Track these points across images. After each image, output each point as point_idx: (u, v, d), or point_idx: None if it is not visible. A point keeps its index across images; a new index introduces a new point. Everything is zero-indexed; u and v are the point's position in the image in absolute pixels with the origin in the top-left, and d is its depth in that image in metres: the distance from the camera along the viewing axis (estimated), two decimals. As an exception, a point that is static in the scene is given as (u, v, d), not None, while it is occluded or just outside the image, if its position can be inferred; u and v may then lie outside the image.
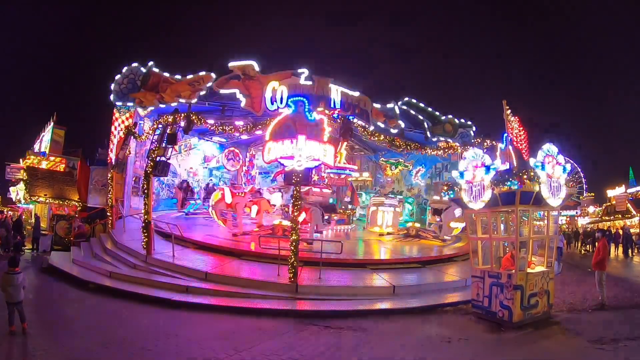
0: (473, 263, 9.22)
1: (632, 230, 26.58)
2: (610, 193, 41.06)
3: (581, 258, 21.62)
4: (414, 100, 19.89)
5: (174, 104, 16.01)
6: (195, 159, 24.60)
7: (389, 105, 19.07)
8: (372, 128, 16.84)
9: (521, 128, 18.75)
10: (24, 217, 22.58)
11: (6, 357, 5.89)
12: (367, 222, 20.23)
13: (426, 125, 19.84)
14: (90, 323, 7.60)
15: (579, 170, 42.58)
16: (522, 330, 7.83)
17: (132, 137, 15.83)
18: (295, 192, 10.73)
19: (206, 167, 25.34)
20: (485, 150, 13.43)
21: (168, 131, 12.83)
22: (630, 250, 22.04)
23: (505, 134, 15.86)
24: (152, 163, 12.47)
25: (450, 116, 20.63)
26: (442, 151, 15.82)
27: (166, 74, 16.72)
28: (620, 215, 37.01)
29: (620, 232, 25.57)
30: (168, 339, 6.74)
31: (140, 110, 17.18)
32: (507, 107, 15.66)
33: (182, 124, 12.88)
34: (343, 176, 22.61)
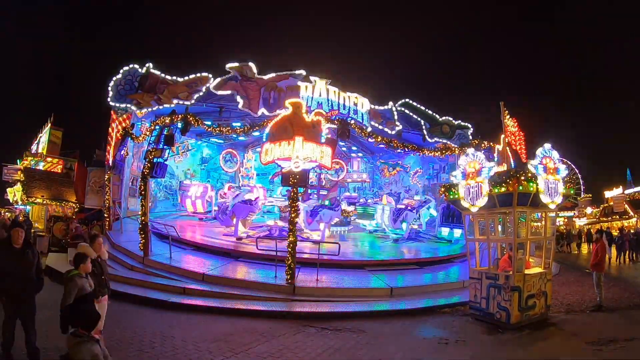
0: (470, 264, 9.22)
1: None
2: (608, 194, 41.20)
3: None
4: (411, 102, 19.90)
5: (171, 106, 15.98)
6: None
7: (387, 107, 19.08)
8: (369, 129, 16.85)
9: (519, 129, 18.78)
10: (21, 218, 22.50)
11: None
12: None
13: (424, 127, 19.86)
14: (87, 325, 7.56)
15: (577, 171, 42.75)
16: (519, 331, 7.82)
17: (129, 138, 15.80)
18: (292, 194, 10.72)
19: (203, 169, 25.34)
20: (482, 151, 13.44)
21: (165, 132, 12.82)
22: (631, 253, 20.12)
23: (503, 136, 15.89)
24: (149, 164, 12.45)
25: (447, 117, 20.66)
26: (439, 152, 15.83)
27: (164, 75, 16.68)
28: (617, 216, 37.14)
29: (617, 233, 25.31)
30: (164, 340, 6.70)
31: (137, 111, 17.15)
32: (505, 109, 15.68)
33: (180, 125, 12.86)
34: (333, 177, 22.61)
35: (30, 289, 5.87)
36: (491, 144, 16.13)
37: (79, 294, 5.11)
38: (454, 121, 20.68)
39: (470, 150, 9.06)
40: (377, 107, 18.75)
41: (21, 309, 5.70)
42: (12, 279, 5.53)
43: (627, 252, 19.97)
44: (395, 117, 19.00)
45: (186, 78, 16.52)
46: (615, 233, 22.41)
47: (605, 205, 41.34)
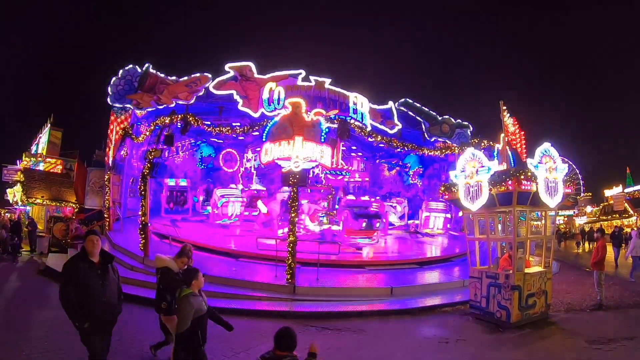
0: (471, 263, 9.22)
1: (627, 230, 25.93)
2: (608, 193, 41.19)
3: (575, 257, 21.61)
4: (411, 101, 19.92)
5: (171, 106, 15.97)
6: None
7: (387, 106, 19.07)
8: (369, 129, 16.85)
9: (518, 128, 18.78)
10: (21, 219, 22.48)
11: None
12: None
13: (423, 126, 19.88)
14: (87, 325, 7.56)
15: (576, 170, 42.75)
16: (520, 330, 7.83)
17: (129, 138, 15.80)
18: (292, 194, 10.72)
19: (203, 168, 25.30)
20: (482, 150, 13.43)
21: (165, 132, 12.82)
22: None
23: (502, 135, 15.89)
24: (148, 164, 12.44)
25: (447, 116, 20.66)
26: (439, 152, 15.84)
27: (163, 75, 16.65)
28: (617, 215, 37.12)
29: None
30: (165, 341, 6.69)
31: (137, 111, 17.14)
32: (504, 108, 15.68)
33: (179, 125, 12.87)
34: (340, 177, 22.65)
35: (116, 315, 4.76)
36: (491, 143, 16.12)
37: (196, 316, 4.44)
38: (453, 120, 20.69)
39: (470, 149, 9.06)
40: (376, 106, 18.74)
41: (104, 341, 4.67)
42: (100, 303, 4.43)
43: None
44: (395, 116, 18.99)
45: (186, 78, 16.51)
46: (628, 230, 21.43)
47: (605, 203, 41.32)
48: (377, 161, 28.37)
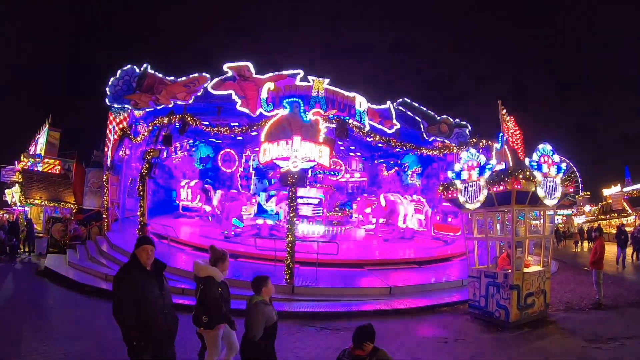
0: (469, 263, 9.21)
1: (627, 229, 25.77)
2: (606, 192, 41.22)
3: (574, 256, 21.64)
4: (409, 101, 19.90)
5: (169, 106, 15.94)
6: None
7: (385, 106, 19.05)
8: (367, 128, 16.83)
9: (517, 128, 18.80)
10: (19, 219, 22.45)
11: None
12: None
13: (422, 126, 19.86)
14: (87, 326, 7.55)
15: (575, 169, 42.77)
16: (519, 330, 7.83)
17: (127, 139, 15.78)
18: (290, 193, 10.71)
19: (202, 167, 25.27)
20: (480, 150, 13.45)
21: (163, 133, 12.81)
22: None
23: (501, 134, 15.90)
24: (147, 165, 12.44)
25: (445, 116, 20.65)
26: (438, 151, 15.85)
27: (161, 76, 16.60)
28: (616, 214, 37.14)
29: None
30: (163, 342, 6.67)
31: (135, 111, 17.10)
32: (503, 107, 15.68)
33: (178, 125, 12.86)
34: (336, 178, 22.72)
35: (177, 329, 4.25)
36: (489, 142, 16.14)
37: (267, 325, 4.24)
38: (452, 120, 20.68)
39: (469, 149, 9.05)
40: (375, 106, 18.72)
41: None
42: (163, 316, 4.04)
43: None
44: (394, 116, 18.97)
45: (184, 78, 16.45)
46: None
47: (604, 203, 41.36)
48: (376, 161, 28.39)
